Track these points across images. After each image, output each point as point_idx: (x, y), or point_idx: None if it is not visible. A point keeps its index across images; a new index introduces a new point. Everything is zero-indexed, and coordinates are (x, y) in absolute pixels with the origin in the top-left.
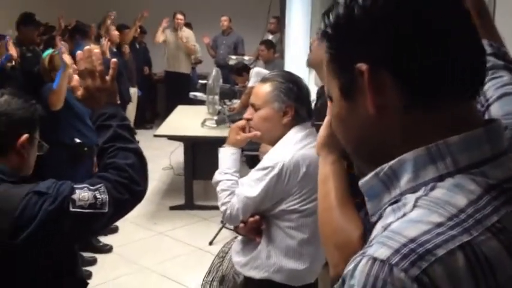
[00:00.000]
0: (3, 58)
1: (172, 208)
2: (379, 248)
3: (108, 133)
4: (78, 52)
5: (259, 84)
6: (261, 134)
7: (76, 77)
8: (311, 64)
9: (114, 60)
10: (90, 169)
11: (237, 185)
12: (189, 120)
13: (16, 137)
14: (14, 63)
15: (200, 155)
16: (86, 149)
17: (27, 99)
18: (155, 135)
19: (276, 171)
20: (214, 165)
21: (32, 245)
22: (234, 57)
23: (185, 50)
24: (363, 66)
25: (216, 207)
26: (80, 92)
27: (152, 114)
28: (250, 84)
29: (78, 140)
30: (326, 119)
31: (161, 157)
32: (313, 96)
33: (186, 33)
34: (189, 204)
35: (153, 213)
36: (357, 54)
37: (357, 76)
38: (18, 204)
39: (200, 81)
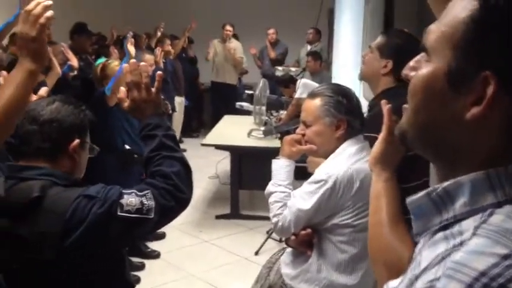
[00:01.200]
0: (65, 67)
1: (218, 217)
2: (449, 283)
3: (154, 143)
4: (125, 65)
5: (308, 100)
6: (316, 148)
7: (123, 88)
8: (364, 77)
9: (159, 72)
10: (138, 177)
11: (289, 198)
12: (235, 130)
13: (67, 142)
14: (75, 72)
15: (246, 164)
16: (135, 156)
17: (77, 105)
18: (203, 144)
19: (329, 185)
20: (260, 175)
21: (80, 247)
22: (280, 68)
23: (233, 61)
24: (491, 77)
25: (262, 218)
26: (126, 104)
27: (198, 123)
28: (296, 95)
29: (127, 147)
30: (381, 135)
31: (207, 166)
32: (364, 108)
33: (234, 44)
34: (235, 214)
35: (198, 221)
36: (491, 59)
37: (478, 79)
38: (69, 207)
39: (246, 91)
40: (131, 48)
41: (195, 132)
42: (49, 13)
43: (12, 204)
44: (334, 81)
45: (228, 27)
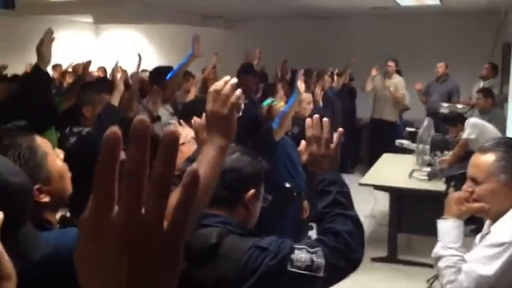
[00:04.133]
0: None
1: (374, 259)
2: None
3: (328, 198)
4: (307, 120)
5: (478, 154)
6: (488, 207)
7: (303, 142)
8: None
9: (340, 129)
10: (297, 216)
11: (463, 262)
12: (395, 169)
13: (244, 191)
14: (240, 114)
15: (407, 207)
16: (295, 194)
17: (254, 156)
18: (360, 184)
19: None
20: (422, 219)
21: None
22: (445, 105)
23: (393, 98)
24: None
25: (421, 264)
26: (305, 157)
27: (354, 159)
28: (464, 135)
29: (288, 185)
30: None
31: (363, 204)
32: None
33: (396, 80)
34: (392, 258)
35: None
36: None
37: None
38: (243, 255)
39: (407, 128)
40: (301, 86)
41: (350, 168)
42: (238, 92)
43: (192, 249)
44: (510, 120)
45: (390, 63)
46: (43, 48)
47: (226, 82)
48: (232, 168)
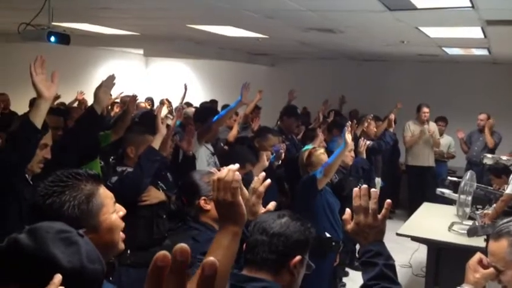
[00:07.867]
0: (272, 157)
1: None
2: None
3: (373, 271)
4: (355, 189)
5: (493, 241)
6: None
7: (348, 210)
8: None
9: (388, 201)
10: (331, 265)
11: None
12: (434, 220)
13: (290, 257)
14: (280, 162)
15: (445, 260)
16: (333, 243)
17: (303, 222)
18: (398, 234)
19: None
20: (460, 274)
21: None
22: (489, 155)
23: (433, 143)
24: None
25: None
26: (350, 226)
27: (394, 203)
28: (508, 190)
29: (328, 234)
30: None
31: (400, 252)
32: None
33: (431, 126)
34: None
35: None
36: None
37: None
38: None
39: (449, 178)
40: (349, 137)
41: (390, 213)
42: (237, 176)
43: None
44: None
45: (425, 109)
46: (101, 93)
47: (229, 170)
48: (280, 233)
